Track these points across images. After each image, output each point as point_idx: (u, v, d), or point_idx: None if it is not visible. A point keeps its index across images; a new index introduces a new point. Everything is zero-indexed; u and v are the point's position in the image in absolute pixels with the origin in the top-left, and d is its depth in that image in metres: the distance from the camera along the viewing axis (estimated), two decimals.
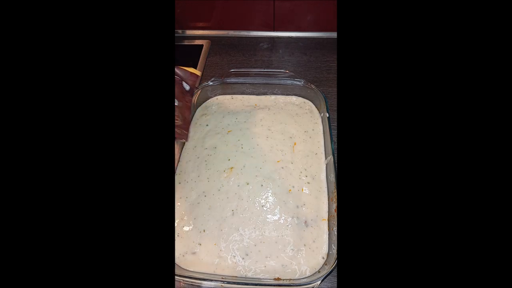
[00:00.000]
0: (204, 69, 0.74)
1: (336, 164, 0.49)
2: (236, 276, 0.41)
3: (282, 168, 0.52)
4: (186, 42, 0.82)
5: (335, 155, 0.50)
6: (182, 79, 0.53)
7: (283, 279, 0.41)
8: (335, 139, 0.53)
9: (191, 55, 0.77)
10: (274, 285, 0.40)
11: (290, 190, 0.50)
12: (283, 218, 0.47)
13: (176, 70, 0.53)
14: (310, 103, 0.63)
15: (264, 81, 0.62)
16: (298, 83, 0.61)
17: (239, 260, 0.43)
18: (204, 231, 0.46)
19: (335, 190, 0.46)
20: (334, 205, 0.46)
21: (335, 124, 0.57)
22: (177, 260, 0.43)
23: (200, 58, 0.76)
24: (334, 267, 0.39)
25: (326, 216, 0.47)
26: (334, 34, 0.81)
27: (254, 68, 0.73)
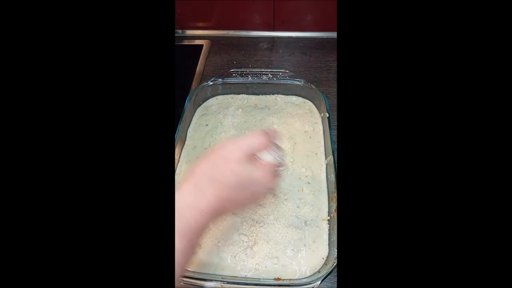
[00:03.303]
0: (204, 69, 0.74)
1: (336, 164, 0.49)
2: (236, 276, 0.41)
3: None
4: (186, 42, 0.82)
5: (335, 155, 0.50)
6: None
7: (283, 279, 0.41)
8: (335, 139, 0.53)
9: (191, 55, 0.77)
10: (274, 285, 0.40)
11: (290, 190, 0.50)
12: (283, 218, 0.47)
13: None
14: (310, 103, 0.63)
15: (264, 81, 0.62)
16: (298, 83, 0.61)
17: (239, 260, 0.43)
18: None
19: (335, 190, 0.46)
20: (334, 205, 0.46)
21: (335, 124, 0.57)
22: None
23: (200, 58, 0.76)
24: (334, 267, 0.39)
25: (326, 216, 0.47)
26: (334, 34, 0.81)
27: (254, 68, 0.73)
